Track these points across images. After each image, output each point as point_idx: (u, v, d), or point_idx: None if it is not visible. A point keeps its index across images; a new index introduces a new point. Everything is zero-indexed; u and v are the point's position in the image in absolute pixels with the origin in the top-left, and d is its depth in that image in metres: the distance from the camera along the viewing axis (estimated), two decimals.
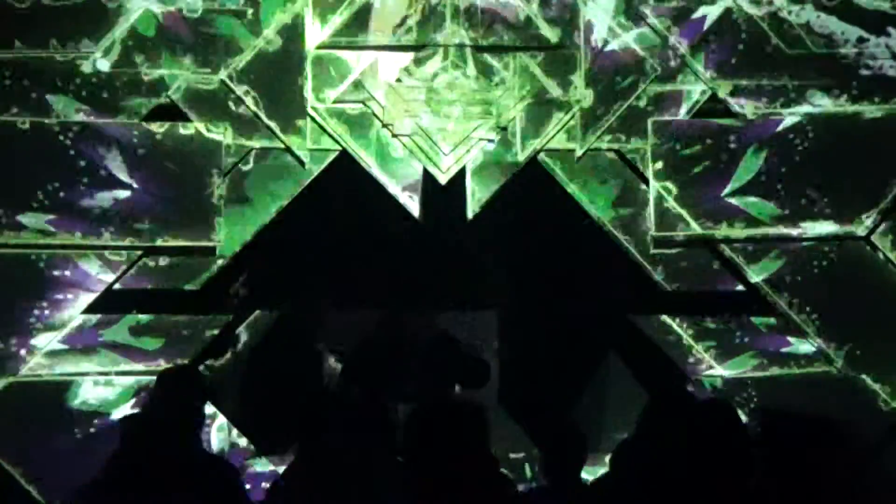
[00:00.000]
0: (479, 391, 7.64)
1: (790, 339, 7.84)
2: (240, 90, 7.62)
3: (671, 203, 7.73)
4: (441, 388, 7.24)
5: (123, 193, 7.62)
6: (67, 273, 7.61)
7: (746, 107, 7.75)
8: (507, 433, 7.71)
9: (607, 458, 5.64)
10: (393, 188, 7.79)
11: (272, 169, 7.76)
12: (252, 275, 7.85)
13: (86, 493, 5.26)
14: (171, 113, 7.68)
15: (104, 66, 7.56)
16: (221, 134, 7.64)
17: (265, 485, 7.33)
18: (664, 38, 7.72)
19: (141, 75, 7.59)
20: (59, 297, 7.61)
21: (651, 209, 7.75)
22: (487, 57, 7.67)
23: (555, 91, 7.73)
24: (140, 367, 7.63)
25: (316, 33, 7.65)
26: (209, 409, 7.72)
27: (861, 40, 7.71)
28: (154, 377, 6.53)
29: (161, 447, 5.22)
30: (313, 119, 7.67)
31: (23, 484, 7.50)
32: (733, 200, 7.76)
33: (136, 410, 7.01)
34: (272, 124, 7.66)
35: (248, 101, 7.64)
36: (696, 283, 7.87)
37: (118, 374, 7.63)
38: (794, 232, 7.76)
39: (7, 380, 7.56)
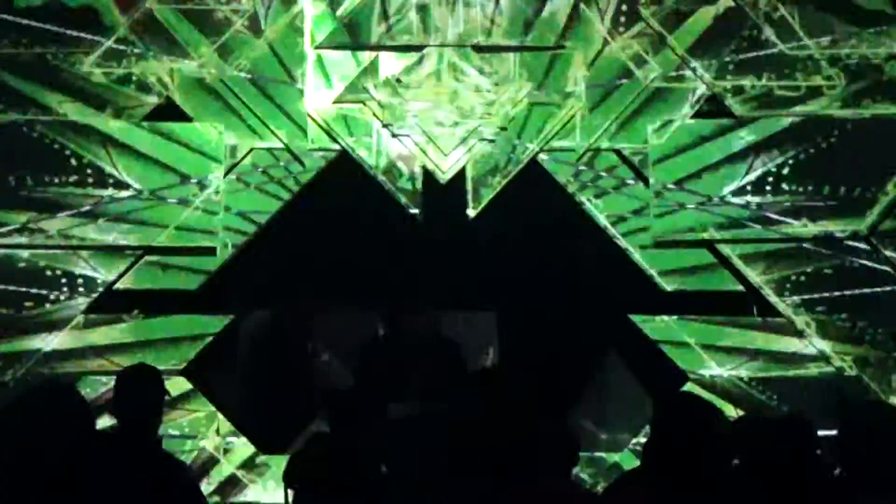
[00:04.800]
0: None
1: (790, 338, 7.82)
2: (240, 90, 7.64)
3: (671, 203, 7.74)
4: (440, 393, 7.22)
5: (124, 193, 7.65)
6: (67, 273, 7.62)
7: (746, 107, 7.75)
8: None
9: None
10: (393, 188, 7.80)
11: (271, 168, 7.79)
12: (252, 275, 7.84)
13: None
14: (171, 113, 7.69)
15: (104, 65, 7.57)
16: (221, 134, 7.66)
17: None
18: (664, 38, 7.71)
19: (141, 75, 7.60)
20: (60, 297, 7.62)
21: (651, 209, 7.76)
22: (487, 57, 7.67)
23: (554, 91, 7.73)
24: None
25: (316, 33, 7.66)
26: (209, 408, 7.76)
27: (861, 40, 7.70)
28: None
29: (125, 447, 5.18)
30: (313, 119, 7.68)
31: None
32: (733, 200, 7.77)
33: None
34: (272, 124, 7.68)
35: (248, 101, 7.65)
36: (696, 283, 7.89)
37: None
38: (795, 232, 7.76)
39: (7, 380, 7.57)
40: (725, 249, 7.80)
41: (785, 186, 7.75)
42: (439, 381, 7.41)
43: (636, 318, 7.85)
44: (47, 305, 7.62)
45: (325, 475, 5.50)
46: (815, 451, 5.14)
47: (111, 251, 7.65)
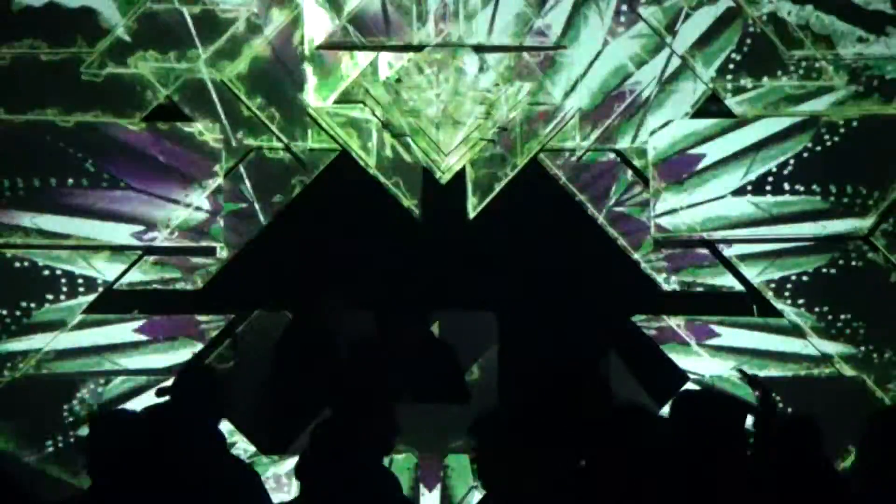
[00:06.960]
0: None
1: (790, 339, 7.83)
2: (240, 90, 7.64)
3: (671, 203, 7.75)
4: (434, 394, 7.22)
5: (124, 193, 7.65)
6: (67, 273, 7.62)
7: (746, 107, 7.76)
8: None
9: None
10: (393, 188, 7.81)
11: (272, 169, 7.79)
12: (252, 275, 7.84)
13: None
14: (171, 113, 7.70)
15: (104, 65, 7.57)
16: (221, 134, 7.66)
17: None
18: (664, 38, 7.72)
19: (140, 74, 7.60)
20: (59, 297, 7.62)
21: (651, 209, 7.77)
22: (488, 57, 7.68)
23: (555, 91, 7.74)
24: (141, 366, 7.66)
25: (316, 33, 7.66)
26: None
27: (861, 40, 7.71)
28: (153, 377, 6.53)
29: (179, 447, 5.07)
30: (313, 119, 7.69)
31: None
32: (733, 200, 7.78)
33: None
34: (272, 124, 7.68)
35: (248, 101, 7.65)
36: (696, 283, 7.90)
37: (118, 373, 7.64)
38: (795, 232, 7.77)
39: (7, 379, 7.57)
40: (726, 249, 7.81)
41: (785, 186, 7.76)
42: (432, 383, 7.42)
43: (636, 319, 7.86)
44: (47, 305, 7.62)
45: (335, 469, 5.48)
46: (819, 449, 5.15)
47: (111, 251, 7.65)
